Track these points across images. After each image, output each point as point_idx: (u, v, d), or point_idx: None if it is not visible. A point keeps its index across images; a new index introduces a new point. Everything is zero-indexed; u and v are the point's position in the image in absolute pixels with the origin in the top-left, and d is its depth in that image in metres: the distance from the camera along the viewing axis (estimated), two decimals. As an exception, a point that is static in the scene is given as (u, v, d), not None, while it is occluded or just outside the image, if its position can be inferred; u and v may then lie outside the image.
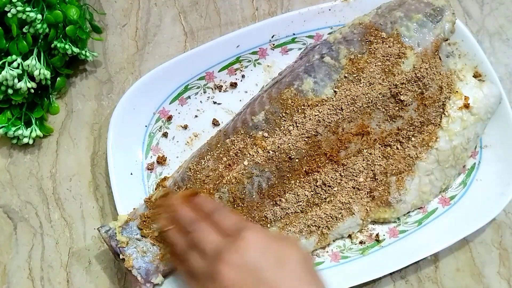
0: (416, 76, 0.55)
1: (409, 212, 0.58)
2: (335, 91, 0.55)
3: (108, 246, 0.54)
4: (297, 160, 0.55)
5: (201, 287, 0.46)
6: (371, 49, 0.56)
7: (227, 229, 0.46)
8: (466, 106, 0.56)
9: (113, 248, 0.53)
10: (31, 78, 0.59)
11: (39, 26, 0.57)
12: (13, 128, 0.59)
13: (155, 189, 0.58)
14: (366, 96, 0.55)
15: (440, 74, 0.56)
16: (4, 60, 0.57)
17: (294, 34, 0.62)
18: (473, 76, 0.59)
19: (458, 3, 0.67)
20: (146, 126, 0.60)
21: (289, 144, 0.54)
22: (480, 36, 0.66)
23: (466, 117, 0.57)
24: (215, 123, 0.61)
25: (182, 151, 0.61)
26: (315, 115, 0.55)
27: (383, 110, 0.55)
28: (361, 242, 0.57)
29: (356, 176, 0.56)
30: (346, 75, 0.55)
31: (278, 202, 0.55)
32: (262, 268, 0.43)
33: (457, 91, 0.57)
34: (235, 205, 0.55)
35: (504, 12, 0.66)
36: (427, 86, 0.55)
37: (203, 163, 0.56)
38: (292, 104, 0.55)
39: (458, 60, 0.59)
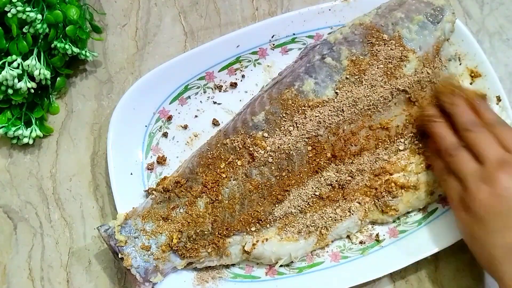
0: (418, 79, 0.55)
1: (409, 212, 0.58)
2: (336, 92, 0.55)
3: (107, 245, 0.54)
4: (296, 161, 0.55)
5: (463, 184, 0.47)
6: (373, 51, 0.56)
7: (506, 148, 0.47)
8: None
9: (112, 247, 0.54)
10: (31, 78, 0.59)
11: (39, 26, 0.57)
12: (13, 128, 0.59)
13: (157, 186, 0.58)
14: (368, 98, 0.55)
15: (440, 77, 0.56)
16: (4, 60, 0.57)
17: (294, 34, 0.62)
18: (473, 77, 0.59)
19: (458, 3, 0.67)
20: (146, 126, 0.60)
21: (289, 145, 0.54)
22: (480, 36, 0.65)
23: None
24: (215, 123, 0.61)
25: (182, 151, 0.61)
26: (316, 116, 0.55)
27: (384, 112, 0.55)
28: (361, 242, 0.57)
29: (355, 177, 0.56)
30: (348, 76, 0.55)
31: (277, 202, 0.55)
32: None
33: None
34: (235, 205, 0.55)
35: (504, 12, 0.66)
36: (427, 90, 0.55)
37: (203, 163, 0.56)
38: (293, 104, 0.55)
39: (459, 65, 0.60)
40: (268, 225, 0.55)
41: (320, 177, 0.55)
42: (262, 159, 0.55)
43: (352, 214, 0.56)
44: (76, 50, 0.60)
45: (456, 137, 0.50)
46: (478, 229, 0.47)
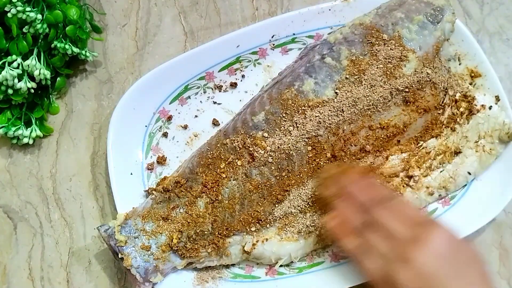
0: (418, 79, 0.55)
1: (409, 212, 0.58)
2: (336, 92, 0.55)
3: (107, 245, 0.54)
4: (296, 161, 0.55)
5: (382, 264, 0.46)
6: (372, 51, 0.56)
7: (412, 218, 0.47)
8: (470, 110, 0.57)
9: (112, 247, 0.54)
10: (31, 78, 0.59)
11: (39, 26, 0.57)
12: (13, 128, 0.59)
13: (157, 186, 0.58)
14: (368, 98, 0.55)
15: (441, 77, 0.56)
16: (4, 60, 0.57)
17: (294, 34, 0.62)
18: (473, 77, 0.59)
19: (458, 3, 0.67)
20: (146, 126, 0.60)
21: (289, 145, 0.54)
22: (480, 36, 0.66)
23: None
24: (215, 123, 0.61)
25: (182, 151, 0.61)
26: (316, 116, 0.55)
27: (384, 112, 0.55)
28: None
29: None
30: (348, 76, 0.55)
31: (277, 202, 0.55)
32: (459, 262, 0.44)
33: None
34: (235, 205, 0.55)
35: (504, 12, 0.66)
36: (427, 90, 0.55)
37: (203, 163, 0.56)
38: (293, 104, 0.55)
39: (459, 65, 0.60)
40: (268, 225, 0.55)
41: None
42: (262, 159, 0.55)
43: (352, 214, 0.56)
44: (76, 50, 0.60)
45: (360, 215, 0.49)
46: None
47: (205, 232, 0.54)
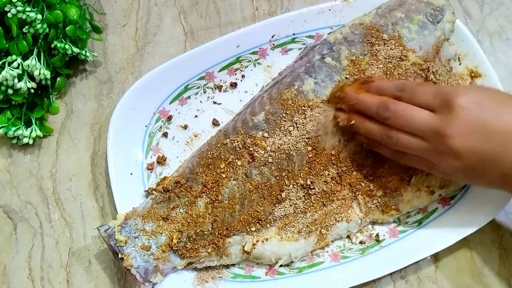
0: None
1: (409, 212, 0.58)
2: (336, 92, 0.55)
3: (107, 245, 0.54)
4: (296, 161, 0.55)
5: (424, 159, 0.48)
6: (372, 51, 0.56)
7: (429, 103, 0.47)
8: None
9: (112, 247, 0.54)
10: (31, 78, 0.59)
11: (39, 26, 0.57)
12: (13, 128, 0.59)
13: (157, 186, 0.58)
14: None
15: (441, 77, 0.56)
16: (4, 60, 0.57)
17: (294, 34, 0.62)
18: (473, 77, 0.59)
19: (458, 3, 0.67)
20: (146, 126, 0.60)
21: (289, 145, 0.54)
22: (480, 36, 0.66)
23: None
24: (215, 123, 0.61)
25: (182, 151, 0.61)
26: (316, 116, 0.55)
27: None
28: (361, 242, 0.57)
29: (355, 177, 0.56)
30: (348, 76, 0.55)
31: (277, 202, 0.55)
32: (487, 122, 0.45)
33: None
34: (235, 205, 0.55)
35: (504, 12, 0.66)
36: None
37: (203, 163, 0.56)
38: (293, 104, 0.55)
39: (459, 65, 0.60)
40: (268, 225, 0.55)
41: (320, 177, 0.55)
42: (262, 159, 0.55)
43: (352, 214, 0.56)
44: (76, 50, 0.60)
45: (380, 124, 0.50)
46: (471, 178, 0.48)
47: (205, 232, 0.54)
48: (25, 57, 0.58)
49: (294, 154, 0.54)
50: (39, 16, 0.57)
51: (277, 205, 0.55)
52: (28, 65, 0.58)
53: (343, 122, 0.53)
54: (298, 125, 0.55)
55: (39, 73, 0.58)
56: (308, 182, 0.55)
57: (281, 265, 0.56)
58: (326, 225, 0.56)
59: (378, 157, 0.56)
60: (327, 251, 0.57)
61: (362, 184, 0.56)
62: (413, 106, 0.48)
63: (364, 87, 0.52)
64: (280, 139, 0.55)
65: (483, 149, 0.45)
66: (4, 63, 0.57)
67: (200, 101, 0.62)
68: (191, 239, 0.54)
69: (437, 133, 0.46)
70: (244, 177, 0.55)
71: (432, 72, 0.56)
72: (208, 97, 0.62)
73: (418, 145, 0.48)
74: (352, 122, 0.52)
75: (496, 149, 0.45)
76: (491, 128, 0.45)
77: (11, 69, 0.57)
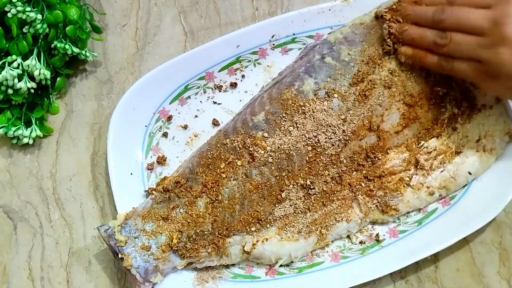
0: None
1: (409, 212, 0.58)
2: (335, 92, 0.55)
3: (107, 245, 0.54)
4: (297, 161, 0.55)
5: (474, 61, 0.47)
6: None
7: (485, 2, 0.47)
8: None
9: (112, 247, 0.54)
10: (31, 78, 0.59)
11: (39, 26, 0.57)
12: (13, 128, 0.59)
13: (157, 186, 0.58)
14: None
15: (441, 76, 0.56)
16: (4, 60, 0.57)
17: (294, 34, 0.62)
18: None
19: (458, 3, 0.67)
20: (146, 126, 0.60)
21: (289, 145, 0.54)
22: (480, 36, 0.65)
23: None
24: (215, 123, 0.61)
25: (182, 151, 0.61)
26: (316, 116, 0.55)
27: (384, 111, 0.55)
28: (361, 242, 0.57)
29: (355, 177, 0.56)
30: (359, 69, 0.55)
31: (277, 202, 0.55)
32: None
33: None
34: (235, 205, 0.55)
35: (504, 12, 0.66)
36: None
37: (203, 163, 0.56)
38: (293, 104, 0.55)
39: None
40: (268, 225, 0.55)
41: (320, 177, 0.55)
42: (262, 159, 0.55)
43: (352, 214, 0.56)
44: (76, 50, 0.60)
45: (434, 30, 0.50)
46: None
47: (205, 232, 0.54)
48: (25, 57, 0.58)
49: (294, 154, 0.54)
50: (39, 16, 0.57)
51: (277, 205, 0.55)
52: (28, 65, 0.58)
53: (395, 29, 0.53)
54: (298, 125, 0.55)
55: (39, 73, 0.58)
56: (308, 182, 0.55)
57: (281, 265, 0.56)
58: (326, 225, 0.56)
59: (378, 157, 0.56)
60: (327, 251, 0.57)
61: (362, 184, 0.56)
62: (469, 6, 0.48)
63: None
64: (280, 139, 0.55)
65: None
66: (4, 63, 0.57)
67: (200, 101, 0.62)
68: (191, 239, 0.54)
69: (494, 22, 0.46)
70: (244, 177, 0.55)
71: (432, 72, 0.56)
72: (208, 97, 0.62)
73: (472, 40, 0.48)
74: (406, 28, 0.52)
75: None
76: None
77: (11, 69, 0.57)
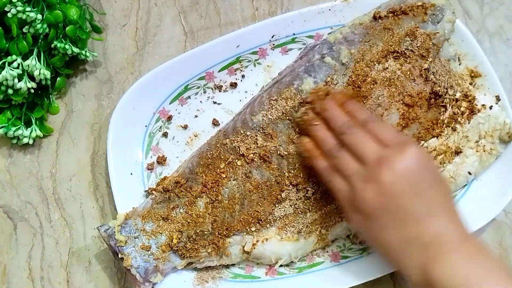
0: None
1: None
2: (335, 92, 0.55)
3: (107, 245, 0.54)
4: (297, 161, 0.54)
5: (349, 184, 0.48)
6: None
7: (386, 139, 0.48)
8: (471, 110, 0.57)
9: (112, 247, 0.54)
10: (31, 78, 0.59)
11: (39, 26, 0.57)
12: (13, 128, 0.59)
13: (157, 186, 0.58)
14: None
15: (440, 77, 0.56)
16: (4, 60, 0.57)
17: (294, 34, 0.62)
18: (473, 77, 0.59)
19: (458, 3, 0.67)
20: (146, 126, 0.60)
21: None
22: (480, 36, 0.65)
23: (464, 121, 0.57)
24: (215, 123, 0.61)
25: (182, 151, 0.61)
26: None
27: (383, 110, 0.55)
28: (361, 242, 0.57)
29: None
30: (352, 76, 0.55)
31: (277, 202, 0.55)
32: (421, 182, 0.46)
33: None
34: (235, 205, 0.55)
35: (504, 12, 0.66)
36: (427, 89, 0.55)
37: (203, 163, 0.56)
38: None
39: (459, 65, 0.60)
40: (268, 225, 0.55)
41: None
42: (262, 159, 0.54)
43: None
44: (76, 50, 0.60)
45: (336, 139, 0.50)
46: (371, 228, 0.47)
47: (205, 232, 0.54)
48: (25, 57, 0.58)
49: (294, 154, 0.54)
50: (39, 16, 0.57)
51: (277, 205, 0.55)
52: (28, 65, 0.58)
53: (308, 119, 0.53)
54: (298, 125, 0.55)
55: (39, 73, 0.58)
56: (308, 182, 0.55)
57: (281, 265, 0.56)
58: (326, 225, 0.56)
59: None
60: (327, 251, 0.57)
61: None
62: (372, 137, 0.48)
63: (342, 101, 0.52)
64: (280, 139, 0.55)
65: (404, 201, 0.45)
66: (4, 63, 0.57)
67: (200, 101, 0.62)
68: (191, 239, 0.54)
69: (378, 161, 0.46)
70: (244, 177, 0.55)
71: (432, 72, 0.56)
72: (208, 97, 0.62)
73: (354, 167, 0.48)
74: (317, 123, 0.52)
75: (410, 210, 0.45)
76: (421, 189, 0.45)
77: (11, 69, 0.57)
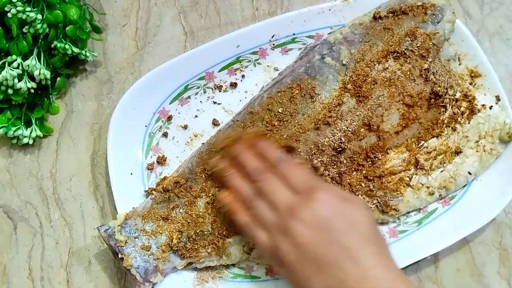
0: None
1: (409, 212, 0.58)
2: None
3: (107, 245, 0.54)
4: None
5: (269, 236, 0.47)
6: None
7: (297, 185, 0.47)
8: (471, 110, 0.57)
9: (112, 247, 0.54)
10: (31, 78, 0.59)
11: (39, 26, 0.57)
12: (13, 128, 0.59)
13: (157, 186, 0.58)
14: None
15: (440, 77, 0.56)
16: (4, 60, 0.57)
17: (294, 34, 0.62)
18: (473, 77, 0.59)
19: (458, 3, 0.67)
20: (146, 126, 0.60)
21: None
22: (480, 36, 0.65)
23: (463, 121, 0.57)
24: (215, 123, 0.61)
25: (182, 151, 0.61)
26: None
27: (383, 111, 0.55)
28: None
29: (355, 177, 0.56)
30: (352, 76, 0.55)
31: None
32: (334, 229, 0.44)
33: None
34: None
35: (504, 12, 0.66)
36: (427, 89, 0.55)
37: (202, 163, 0.56)
38: (292, 104, 0.55)
39: (459, 65, 0.60)
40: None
41: (320, 177, 0.55)
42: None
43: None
44: (76, 50, 0.60)
45: (252, 186, 0.49)
46: (296, 280, 0.45)
47: (205, 232, 0.54)
48: (25, 57, 0.58)
49: (294, 154, 0.54)
50: (39, 16, 0.57)
51: (277, 205, 0.55)
52: (28, 65, 0.58)
53: (220, 169, 0.53)
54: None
55: (39, 73, 0.58)
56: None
57: (281, 265, 0.56)
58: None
59: (378, 157, 0.56)
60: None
61: (362, 184, 0.56)
62: (284, 182, 0.48)
63: (253, 142, 0.52)
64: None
65: (320, 250, 0.43)
66: (4, 63, 0.57)
67: (200, 101, 0.62)
68: (191, 239, 0.54)
69: (289, 210, 0.46)
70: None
71: (432, 72, 0.56)
72: (208, 97, 0.62)
73: (270, 216, 0.47)
74: (230, 172, 0.51)
75: (328, 258, 0.43)
76: (335, 235, 0.44)
77: (11, 69, 0.57)
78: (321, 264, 0.43)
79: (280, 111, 0.55)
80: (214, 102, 0.62)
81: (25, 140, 0.60)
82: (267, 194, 0.48)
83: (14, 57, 0.57)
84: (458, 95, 0.58)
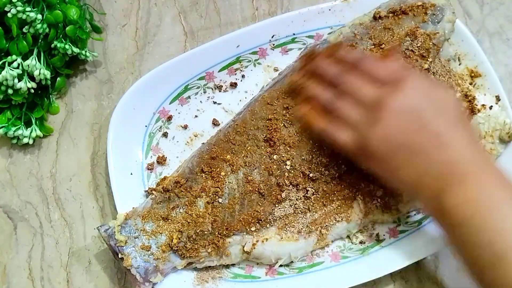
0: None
1: (409, 212, 0.58)
2: (335, 92, 0.55)
3: (107, 245, 0.54)
4: (297, 161, 0.54)
5: (355, 133, 0.47)
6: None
7: (383, 78, 0.47)
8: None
9: (112, 247, 0.54)
10: (31, 78, 0.59)
11: (39, 26, 0.57)
12: (13, 128, 0.59)
13: (157, 186, 0.58)
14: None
15: (440, 77, 0.56)
16: (4, 60, 0.57)
17: (294, 34, 0.62)
18: (473, 77, 0.59)
19: (458, 3, 0.67)
20: (146, 126, 0.60)
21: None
22: (480, 36, 0.65)
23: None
24: (215, 123, 0.61)
25: (182, 151, 0.61)
26: (316, 116, 0.55)
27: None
28: (361, 242, 0.57)
29: (355, 177, 0.56)
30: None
31: (277, 202, 0.55)
32: (423, 116, 0.45)
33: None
34: (235, 205, 0.55)
35: (504, 12, 0.66)
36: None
37: (203, 163, 0.56)
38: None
39: (459, 65, 0.60)
40: (268, 225, 0.55)
41: (320, 177, 0.55)
42: (262, 159, 0.55)
43: (352, 214, 0.56)
44: (76, 50, 0.60)
45: (332, 92, 0.50)
46: (387, 170, 0.47)
47: (205, 232, 0.54)
48: (25, 57, 0.58)
49: (294, 154, 0.54)
50: (39, 16, 0.57)
51: (277, 205, 0.55)
52: (28, 65, 0.58)
53: (298, 81, 0.53)
54: (298, 125, 0.55)
55: (39, 73, 0.58)
56: (308, 182, 0.55)
57: (281, 265, 0.56)
58: (326, 225, 0.56)
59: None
60: (327, 251, 0.57)
61: (362, 184, 0.56)
62: (367, 78, 0.48)
63: (330, 53, 0.52)
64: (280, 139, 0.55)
65: (409, 137, 0.45)
66: (4, 63, 0.57)
67: (200, 101, 0.62)
68: (191, 239, 0.54)
69: (377, 102, 0.46)
70: (244, 176, 0.55)
71: (432, 72, 0.56)
72: (208, 97, 0.62)
73: (357, 113, 0.47)
74: (308, 84, 0.52)
75: (418, 145, 0.44)
76: (424, 121, 0.45)
77: (11, 69, 0.57)
78: (411, 151, 0.44)
79: (285, 106, 0.55)
80: (214, 102, 0.62)
81: (25, 140, 0.60)
82: (352, 92, 0.48)
83: (14, 57, 0.57)
84: (458, 95, 0.58)
